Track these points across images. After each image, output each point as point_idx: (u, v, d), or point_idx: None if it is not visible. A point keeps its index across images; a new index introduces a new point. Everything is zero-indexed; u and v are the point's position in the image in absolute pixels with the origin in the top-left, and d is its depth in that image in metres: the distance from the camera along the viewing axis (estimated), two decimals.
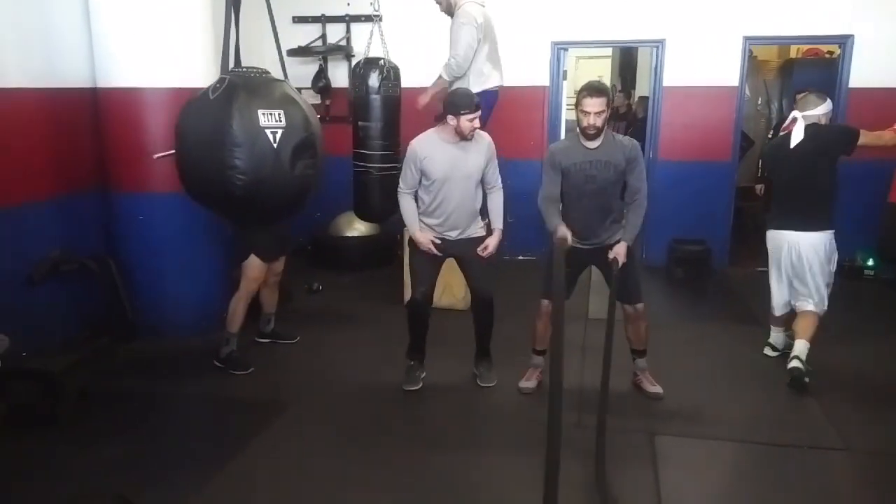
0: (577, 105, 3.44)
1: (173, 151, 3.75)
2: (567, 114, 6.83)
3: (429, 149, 3.67)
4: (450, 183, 3.68)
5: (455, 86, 4.89)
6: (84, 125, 4.43)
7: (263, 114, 3.44)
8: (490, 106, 5.08)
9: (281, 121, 3.48)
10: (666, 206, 6.33)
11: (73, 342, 4.21)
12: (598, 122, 3.42)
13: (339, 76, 6.91)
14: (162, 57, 4.24)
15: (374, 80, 4.74)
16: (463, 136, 3.62)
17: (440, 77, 5.00)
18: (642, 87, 9.25)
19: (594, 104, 3.38)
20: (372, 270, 6.29)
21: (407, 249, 4.09)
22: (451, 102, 3.62)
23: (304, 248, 6.78)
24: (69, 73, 4.35)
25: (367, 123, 4.80)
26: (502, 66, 5.22)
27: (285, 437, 3.41)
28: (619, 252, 3.55)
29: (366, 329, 4.96)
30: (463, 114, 3.55)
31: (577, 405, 3.57)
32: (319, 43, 6.82)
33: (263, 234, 4.08)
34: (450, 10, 5.05)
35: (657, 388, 3.79)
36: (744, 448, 3.34)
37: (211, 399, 3.85)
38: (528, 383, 3.88)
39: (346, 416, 3.63)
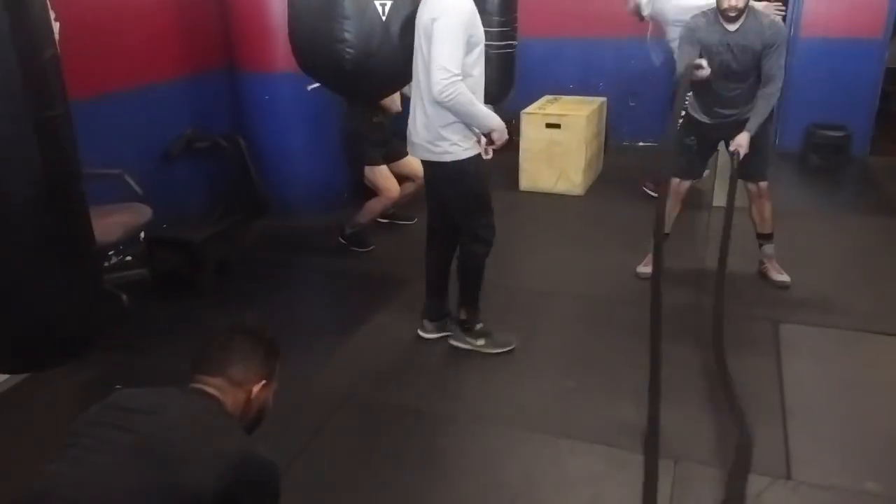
0: None
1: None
2: None
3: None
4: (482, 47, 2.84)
5: None
6: (211, 3, 4.51)
7: None
8: None
9: None
10: (804, 88, 5.82)
11: (208, 217, 4.49)
12: (741, 3, 3.15)
13: None
14: None
15: None
16: None
17: None
18: None
19: None
20: None
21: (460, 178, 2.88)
22: None
23: None
24: None
25: None
26: None
27: (405, 310, 3.54)
28: (740, 143, 3.35)
29: None
30: None
31: (695, 289, 3.51)
32: None
33: (363, 144, 4.11)
34: None
35: (784, 277, 3.63)
36: (872, 339, 3.19)
37: (337, 273, 4.04)
38: (646, 269, 3.80)
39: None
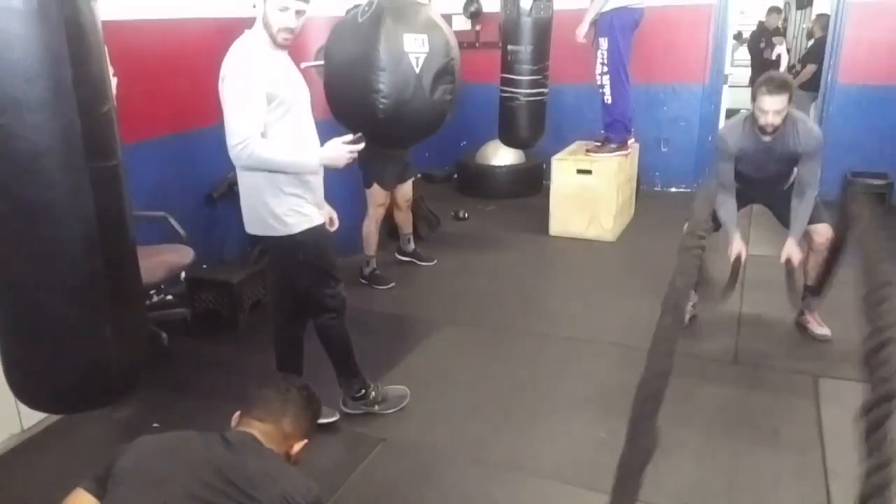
0: (754, 99, 3.17)
1: (321, 63, 3.87)
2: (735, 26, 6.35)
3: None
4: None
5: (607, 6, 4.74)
6: None
7: (409, 38, 3.47)
8: (632, 27, 4.88)
9: (424, 46, 3.50)
10: (843, 135, 5.74)
11: (245, 257, 4.57)
12: (777, 120, 3.15)
13: (491, 0, 6.77)
14: None
15: (526, 1, 4.65)
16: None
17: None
18: (821, 4, 8.37)
19: (774, 103, 3.10)
20: (517, 199, 6.29)
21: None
22: None
23: (450, 176, 6.89)
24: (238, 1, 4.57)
25: (516, 47, 4.74)
26: None
27: (433, 352, 3.56)
28: (791, 252, 3.35)
29: (509, 256, 5.00)
30: None
31: (734, 342, 3.46)
32: None
33: (382, 165, 4.25)
34: None
35: (825, 330, 3.55)
36: None
37: (365, 314, 4.03)
38: None
39: (488, 335, 3.73)
